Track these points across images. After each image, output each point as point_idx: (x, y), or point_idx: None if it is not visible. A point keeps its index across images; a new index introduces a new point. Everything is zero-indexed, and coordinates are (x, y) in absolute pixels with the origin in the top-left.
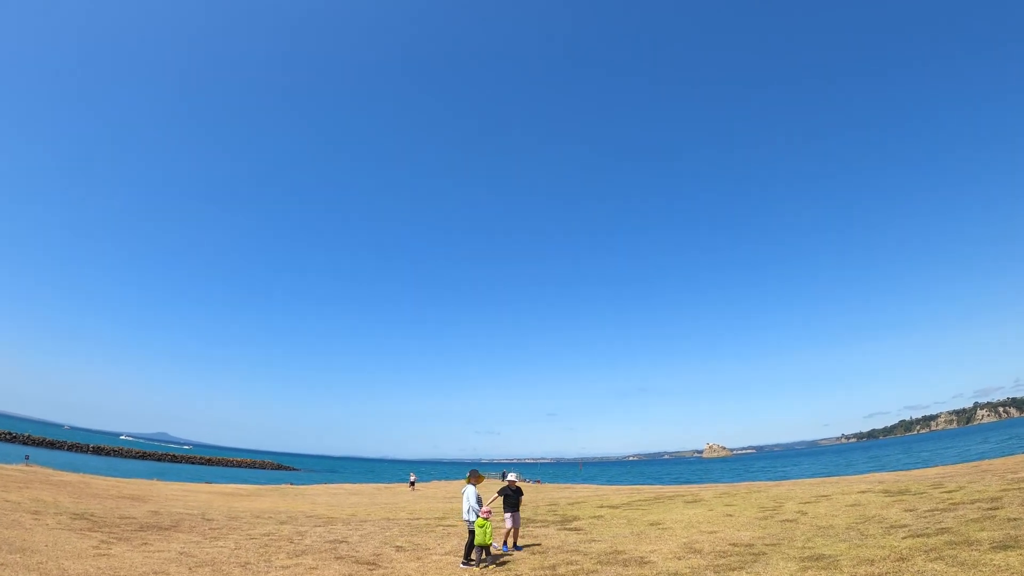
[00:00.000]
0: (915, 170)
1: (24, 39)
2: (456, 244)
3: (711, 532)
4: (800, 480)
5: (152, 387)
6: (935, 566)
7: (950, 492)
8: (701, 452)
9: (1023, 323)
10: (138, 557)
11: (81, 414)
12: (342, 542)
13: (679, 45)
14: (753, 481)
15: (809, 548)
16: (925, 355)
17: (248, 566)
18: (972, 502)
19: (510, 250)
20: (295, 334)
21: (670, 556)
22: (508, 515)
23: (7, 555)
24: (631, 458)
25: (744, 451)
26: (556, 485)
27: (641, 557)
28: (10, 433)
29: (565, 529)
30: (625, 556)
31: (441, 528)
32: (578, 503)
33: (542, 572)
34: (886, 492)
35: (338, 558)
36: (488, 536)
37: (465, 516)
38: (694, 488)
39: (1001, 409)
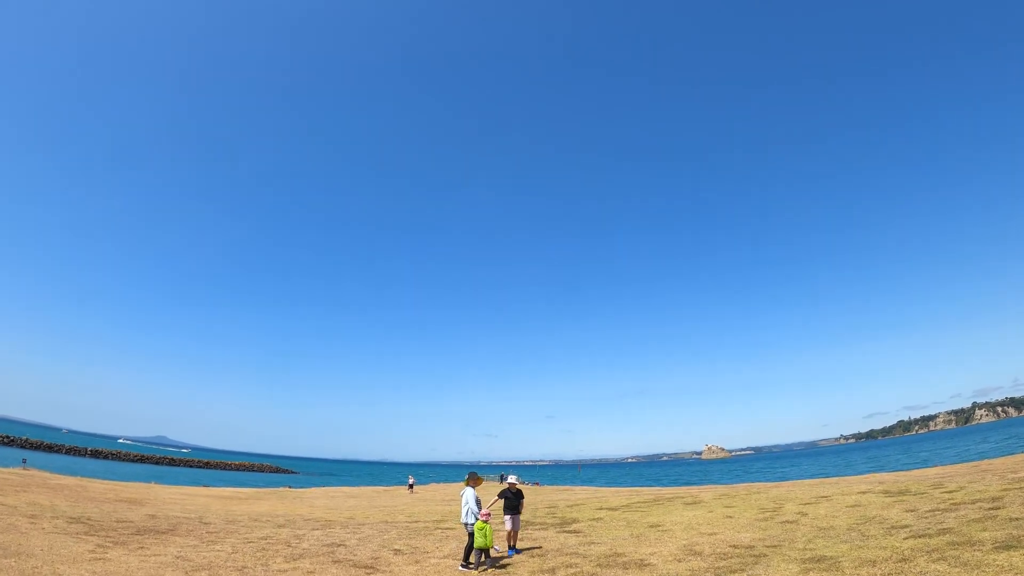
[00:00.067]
0: (914, 170)
1: (24, 39)
2: (454, 245)
3: (711, 534)
4: (800, 481)
5: (150, 390)
6: (938, 567)
7: (951, 492)
8: (700, 453)
9: (1021, 323)
10: (134, 561)
11: (79, 417)
12: (340, 545)
13: (679, 45)
14: (752, 482)
15: (810, 549)
16: (924, 355)
17: (245, 570)
18: (973, 502)
19: (508, 250)
20: (294, 336)
21: (670, 558)
22: (508, 518)
23: (1, 560)
24: (630, 460)
25: (743, 452)
26: (555, 487)
27: (641, 560)
28: (8, 436)
29: (564, 532)
30: (625, 559)
31: (440, 531)
32: (577, 505)
33: (541, 575)
34: (886, 492)
35: (335, 561)
36: (489, 539)
37: (464, 519)
38: (693, 489)
39: (1000, 409)
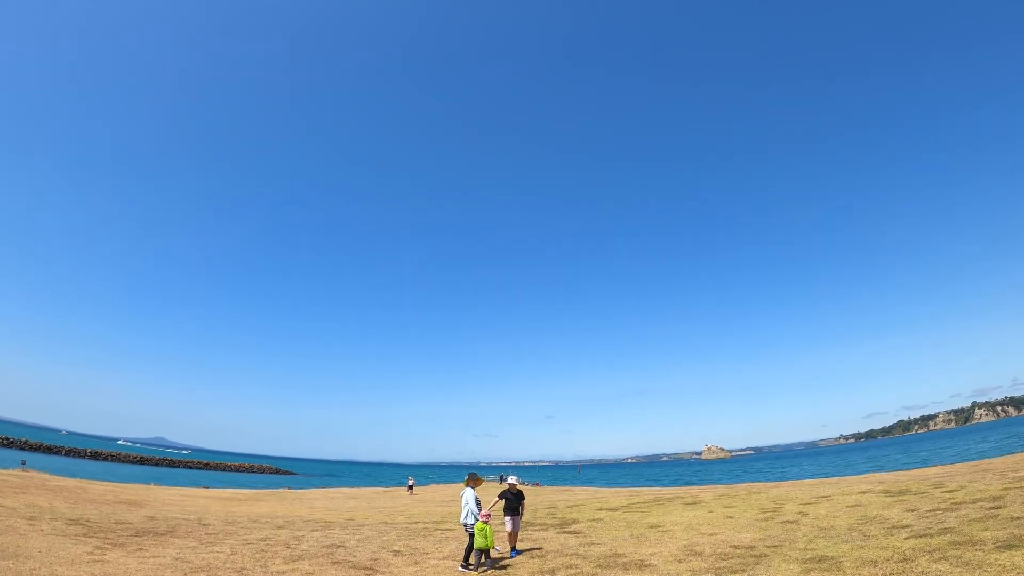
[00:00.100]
0: (914, 170)
1: (24, 39)
2: (454, 245)
3: (711, 534)
4: (800, 481)
5: (150, 391)
6: (939, 567)
7: (951, 492)
8: (700, 453)
9: (1020, 323)
10: (133, 563)
11: (78, 419)
12: (339, 546)
13: (679, 45)
14: (752, 482)
15: (811, 550)
16: (923, 355)
17: (244, 571)
18: (974, 501)
19: (508, 250)
20: (293, 338)
21: (670, 559)
22: (508, 519)
23: (0, 561)
24: (630, 460)
25: (743, 452)
26: (555, 488)
27: (641, 560)
28: (7, 438)
29: (564, 532)
30: (625, 559)
31: (439, 532)
32: (577, 506)
33: None
34: (887, 492)
35: (335, 563)
36: (489, 540)
37: (464, 520)
38: (693, 490)
39: (999, 408)
